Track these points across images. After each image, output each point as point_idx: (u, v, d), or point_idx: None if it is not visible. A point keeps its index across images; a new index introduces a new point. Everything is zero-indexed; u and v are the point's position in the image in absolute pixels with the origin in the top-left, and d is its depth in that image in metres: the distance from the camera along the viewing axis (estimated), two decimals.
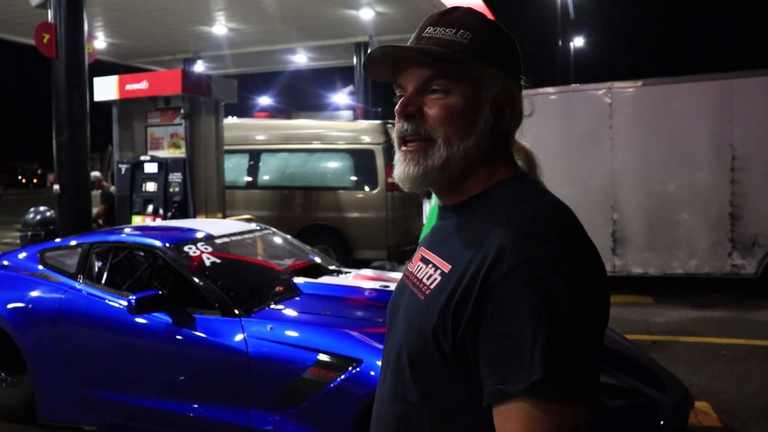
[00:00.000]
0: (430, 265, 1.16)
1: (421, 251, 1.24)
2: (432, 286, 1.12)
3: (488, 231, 1.06)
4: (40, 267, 4.56)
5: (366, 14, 12.70)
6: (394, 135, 1.20)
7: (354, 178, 9.58)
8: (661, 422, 3.16)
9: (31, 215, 8.82)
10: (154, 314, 3.77)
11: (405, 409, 1.15)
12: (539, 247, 1.00)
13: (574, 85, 9.43)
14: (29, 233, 8.62)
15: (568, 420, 0.96)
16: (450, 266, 1.10)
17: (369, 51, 1.21)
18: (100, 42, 14.51)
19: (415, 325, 1.12)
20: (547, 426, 0.95)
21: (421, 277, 1.17)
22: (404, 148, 1.17)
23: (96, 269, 4.41)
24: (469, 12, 1.19)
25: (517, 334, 0.97)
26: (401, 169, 1.17)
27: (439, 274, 1.12)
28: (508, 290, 0.99)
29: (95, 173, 10.10)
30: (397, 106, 1.17)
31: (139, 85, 8.13)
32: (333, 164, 9.92)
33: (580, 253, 1.03)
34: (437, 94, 1.14)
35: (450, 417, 1.09)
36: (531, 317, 0.96)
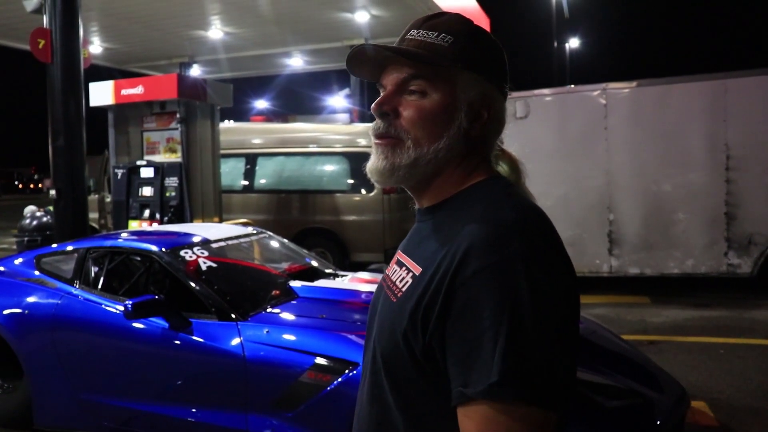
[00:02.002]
0: (404, 268, 1.17)
1: (398, 254, 1.25)
2: (404, 289, 1.13)
3: (457, 233, 1.06)
4: (37, 273, 4.56)
5: (361, 17, 12.73)
6: (370, 133, 1.21)
7: (350, 181, 9.59)
8: (657, 422, 3.17)
9: (28, 221, 8.82)
10: (151, 319, 3.77)
11: (381, 410, 1.16)
12: (504, 250, 1.00)
13: (569, 86, 9.45)
14: (26, 239, 8.62)
15: (527, 424, 0.95)
16: (420, 269, 1.11)
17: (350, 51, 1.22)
18: (95, 47, 14.51)
19: (387, 328, 1.13)
20: (503, 429, 0.95)
21: (394, 280, 1.18)
22: (376, 141, 1.19)
23: (92, 274, 4.41)
24: (455, 17, 1.19)
25: (479, 337, 0.97)
26: (372, 161, 1.19)
27: (411, 277, 1.13)
28: (472, 293, 0.99)
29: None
30: (373, 104, 1.18)
31: (135, 90, 8.14)
32: (329, 167, 9.93)
33: (546, 256, 1.02)
34: (414, 95, 1.15)
35: (424, 419, 1.10)
36: (493, 320, 0.96)
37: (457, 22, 1.19)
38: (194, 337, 3.65)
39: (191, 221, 7.85)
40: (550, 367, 0.96)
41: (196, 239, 4.44)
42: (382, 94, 1.19)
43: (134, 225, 8.11)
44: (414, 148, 1.14)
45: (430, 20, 1.19)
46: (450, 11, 1.23)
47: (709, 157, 7.88)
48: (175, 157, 8.14)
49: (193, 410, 3.67)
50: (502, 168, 1.25)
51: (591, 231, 8.31)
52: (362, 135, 9.70)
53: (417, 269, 1.12)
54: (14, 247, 9.62)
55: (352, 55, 1.20)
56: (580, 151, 8.39)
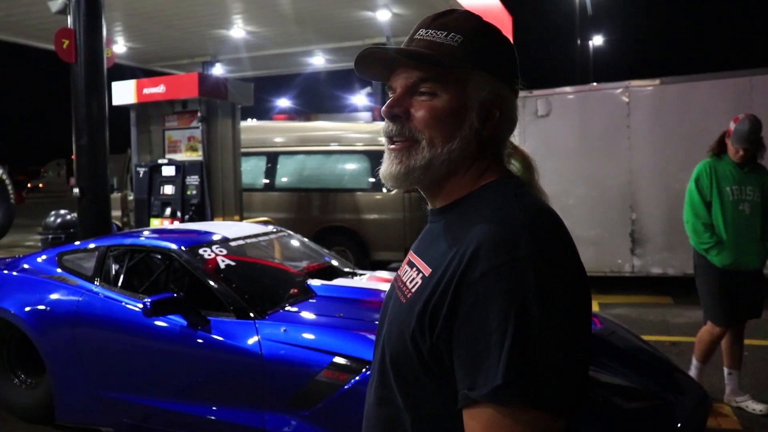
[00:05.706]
0: (414, 269, 1.17)
1: (409, 255, 1.25)
2: (413, 290, 1.12)
3: (466, 234, 1.05)
4: (59, 270, 4.61)
5: (383, 15, 12.71)
6: (382, 135, 1.21)
7: (371, 179, 9.58)
8: (678, 425, 3.12)
9: (52, 218, 8.93)
10: (170, 317, 3.80)
11: (389, 411, 1.16)
12: (513, 251, 0.98)
13: (591, 84, 9.36)
14: (50, 236, 8.72)
15: (532, 429, 0.94)
16: (430, 270, 1.10)
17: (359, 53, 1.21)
18: (119, 46, 14.65)
19: (396, 328, 1.13)
20: None
21: (405, 281, 1.17)
22: (390, 147, 1.19)
23: (113, 272, 4.45)
24: (464, 15, 1.18)
25: (486, 340, 0.96)
26: (385, 166, 1.19)
27: (420, 278, 1.12)
28: (480, 294, 0.98)
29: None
30: (383, 107, 1.18)
31: (157, 89, 8.20)
32: (350, 166, 9.93)
33: (556, 258, 1.01)
34: (424, 96, 1.14)
35: (431, 420, 1.09)
36: (499, 322, 0.95)
37: (466, 19, 1.17)
38: (212, 335, 3.67)
39: (212, 219, 7.90)
40: (557, 372, 0.94)
41: (215, 237, 4.46)
42: (391, 96, 1.19)
43: (156, 223, 8.19)
44: (429, 148, 1.13)
45: (439, 19, 1.18)
46: (460, 9, 1.22)
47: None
48: (196, 156, 8.20)
49: (211, 408, 3.69)
50: (515, 166, 1.24)
51: (613, 230, 8.22)
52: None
53: (427, 270, 1.11)
54: (39, 244, 9.74)
55: (360, 58, 1.19)
56: (603, 149, 8.30)
